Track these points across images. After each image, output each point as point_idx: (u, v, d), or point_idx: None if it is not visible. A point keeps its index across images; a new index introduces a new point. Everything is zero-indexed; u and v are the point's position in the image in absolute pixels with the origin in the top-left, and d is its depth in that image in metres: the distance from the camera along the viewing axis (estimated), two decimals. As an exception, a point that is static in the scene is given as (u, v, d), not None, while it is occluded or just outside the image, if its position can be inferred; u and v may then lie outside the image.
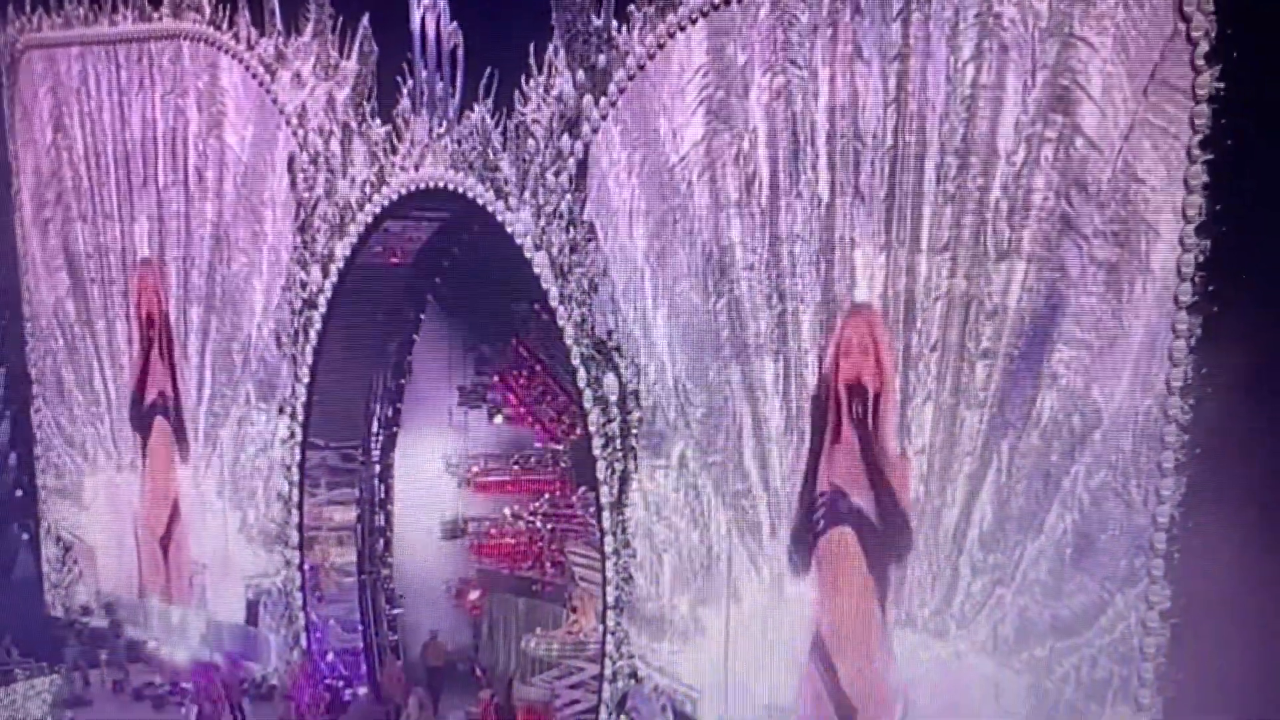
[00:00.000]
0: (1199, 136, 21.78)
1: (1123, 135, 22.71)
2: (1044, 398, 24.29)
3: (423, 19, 31.85)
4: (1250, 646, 21.80)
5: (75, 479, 42.42)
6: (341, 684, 35.83)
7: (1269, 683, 21.77)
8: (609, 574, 30.55)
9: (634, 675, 30.35)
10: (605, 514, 30.46)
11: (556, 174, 30.09)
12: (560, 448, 35.91)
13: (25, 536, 43.26)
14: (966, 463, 25.44)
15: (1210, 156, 21.74)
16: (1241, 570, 21.60)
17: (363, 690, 35.94)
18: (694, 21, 27.83)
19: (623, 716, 30.59)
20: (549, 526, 35.55)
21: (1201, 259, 22.06)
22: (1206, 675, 22.64)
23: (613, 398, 29.95)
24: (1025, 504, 24.72)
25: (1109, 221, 23.09)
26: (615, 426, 30.05)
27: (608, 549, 30.50)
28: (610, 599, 30.57)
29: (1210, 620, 22.52)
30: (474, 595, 36.63)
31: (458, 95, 31.60)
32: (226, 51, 36.31)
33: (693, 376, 29.06)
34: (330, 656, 36.35)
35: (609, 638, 30.73)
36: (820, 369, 27.22)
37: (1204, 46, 21.69)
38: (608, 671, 30.85)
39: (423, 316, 35.49)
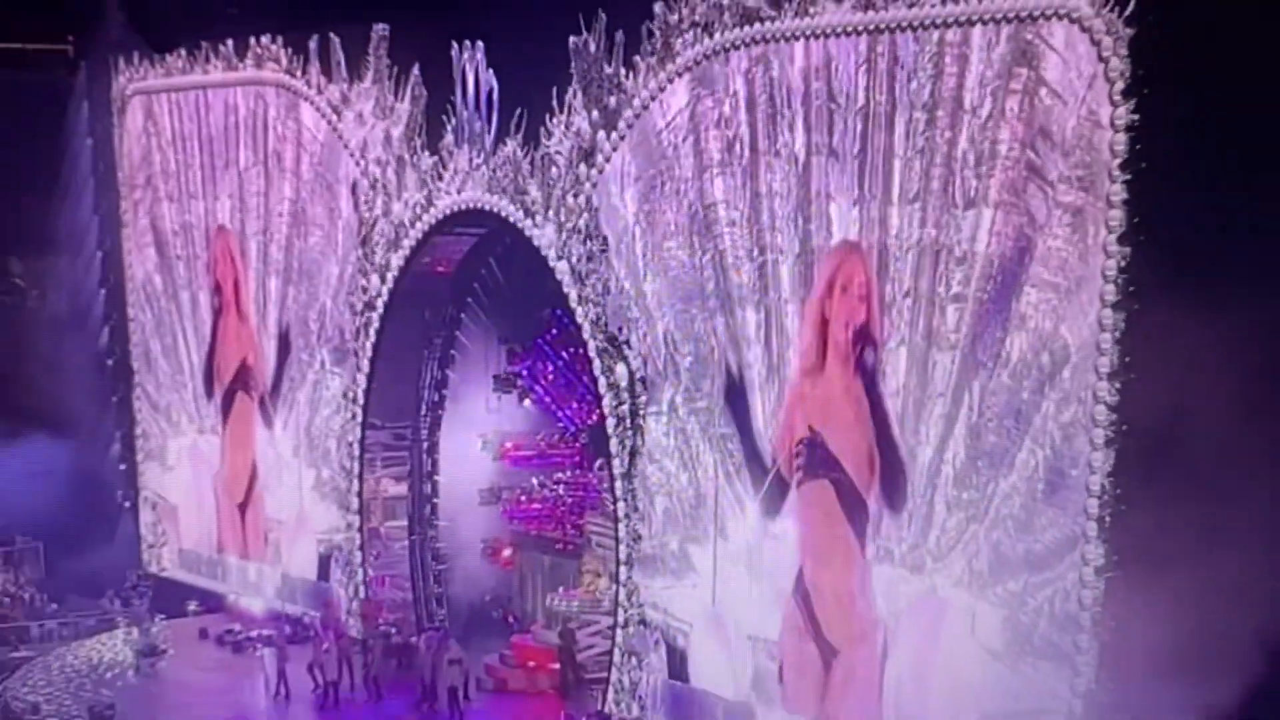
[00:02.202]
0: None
1: (1086, 83, 22.13)
2: (1013, 339, 23.51)
3: (464, 68, 32.37)
4: (1177, 598, 20.94)
5: (160, 442, 42.62)
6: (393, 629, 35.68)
7: (1198, 628, 20.77)
8: (621, 534, 30.50)
9: (643, 621, 30.27)
10: (618, 483, 30.55)
11: (575, 196, 30.45)
12: (579, 428, 35.91)
13: (127, 504, 43.43)
14: (939, 403, 24.72)
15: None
16: (1169, 533, 21.01)
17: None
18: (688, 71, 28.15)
19: (632, 657, 30.47)
20: (569, 495, 35.58)
21: (1124, 264, 21.89)
22: (1137, 624, 21.96)
23: (623, 384, 30.10)
24: (997, 441, 23.89)
25: (1074, 167, 22.41)
26: (625, 409, 30.15)
27: (620, 513, 30.50)
28: (623, 556, 30.57)
29: (1140, 575, 21.96)
30: (506, 552, 36.61)
31: (493, 131, 32.10)
32: (301, 96, 36.57)
33: (680, 327, 28.88)
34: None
35: (621, 590, 30.70)
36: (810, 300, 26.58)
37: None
38: (620, 619, 30.78)
39: (463, 316, 35.67)
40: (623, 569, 30.67)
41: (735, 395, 28.19)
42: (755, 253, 27.39)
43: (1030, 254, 23.13)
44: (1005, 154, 23.37)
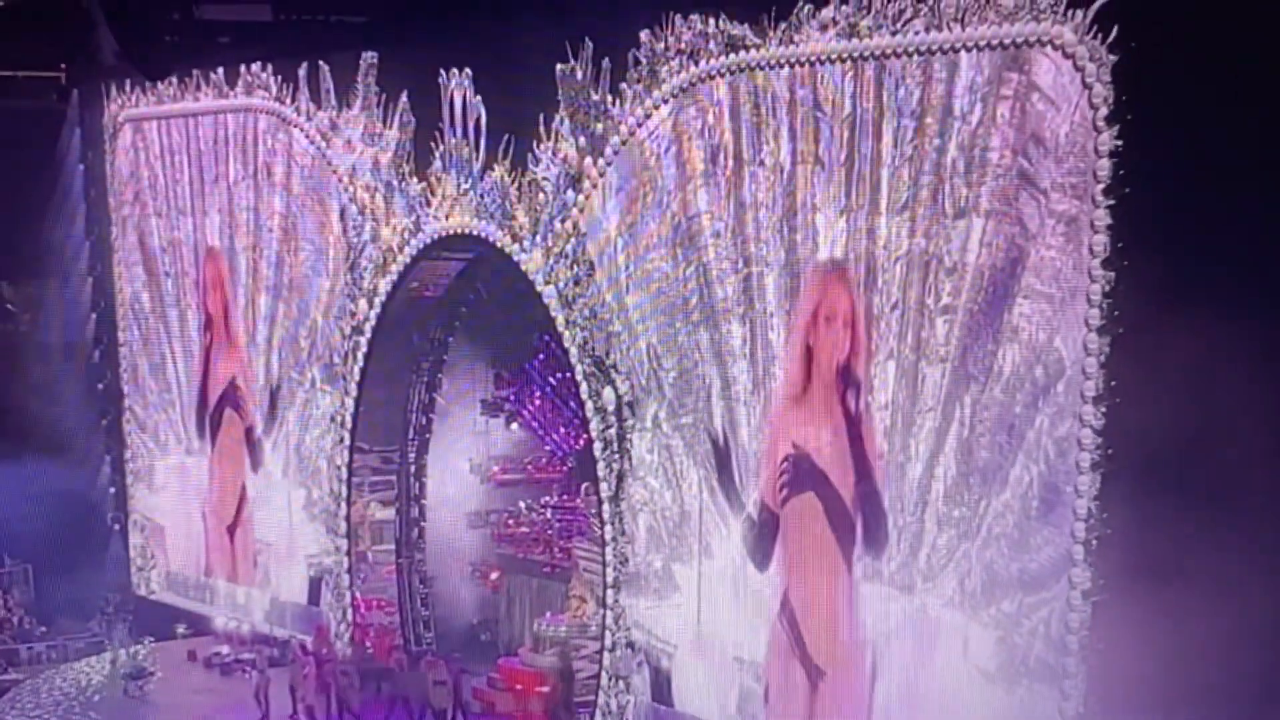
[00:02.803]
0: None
1: (1079, 91, 21.68)
2: (1005, 351, 23.00)
3: (452, 95, 32.18)
4: (1164, 623, 20.67)
5: (147, 462, 42.15)
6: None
7: (1183, 654, 20.37)
8: (608, 558, 30.25)
9: (630, 645, 30.01)
10: (605, 506, 30.27)
11: (563, 221, 30.24)
12: (567, 452, 35.81)
13: (116, 526, 43.17)
14: (929, 417, 24.20)
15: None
16: (1155, 556, 20.83)
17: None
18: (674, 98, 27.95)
19: (619, 681, 30.19)
20: (556, 518, 35.48)
21: (1108, 288, 21.65)
22: (1124, 649, 21.68)
23: (610, 407, 29.80)
24: (989, 457, 23.36)
25: (1067, 174, 21.94)
26: (613, 432, 29.85)
27: (607, 537, 30.22)
28: (610, 579, 30.32)
29: (1127, 599, 21.70)
30: (494, 576, 36.39)
31: (481, 157, 31.83)
32: (290, 123, 36.40)
33: (664, 341, 28.64)
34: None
35: (608, 613, 30.44)
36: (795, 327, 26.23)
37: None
38: (608, 643, 30.51)
39: (451, 340, 35.54)
40: (609, 593, 30.32)
41: (720, 411, 27.80)
42: (740, 264, 27.02)
43: (1023, 264, 22.61)
44: (996, 161, 22.85)
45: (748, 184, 26.75)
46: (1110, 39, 21.42)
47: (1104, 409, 21.90)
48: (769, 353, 26.79)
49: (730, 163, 27.05)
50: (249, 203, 37.88)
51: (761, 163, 26.48)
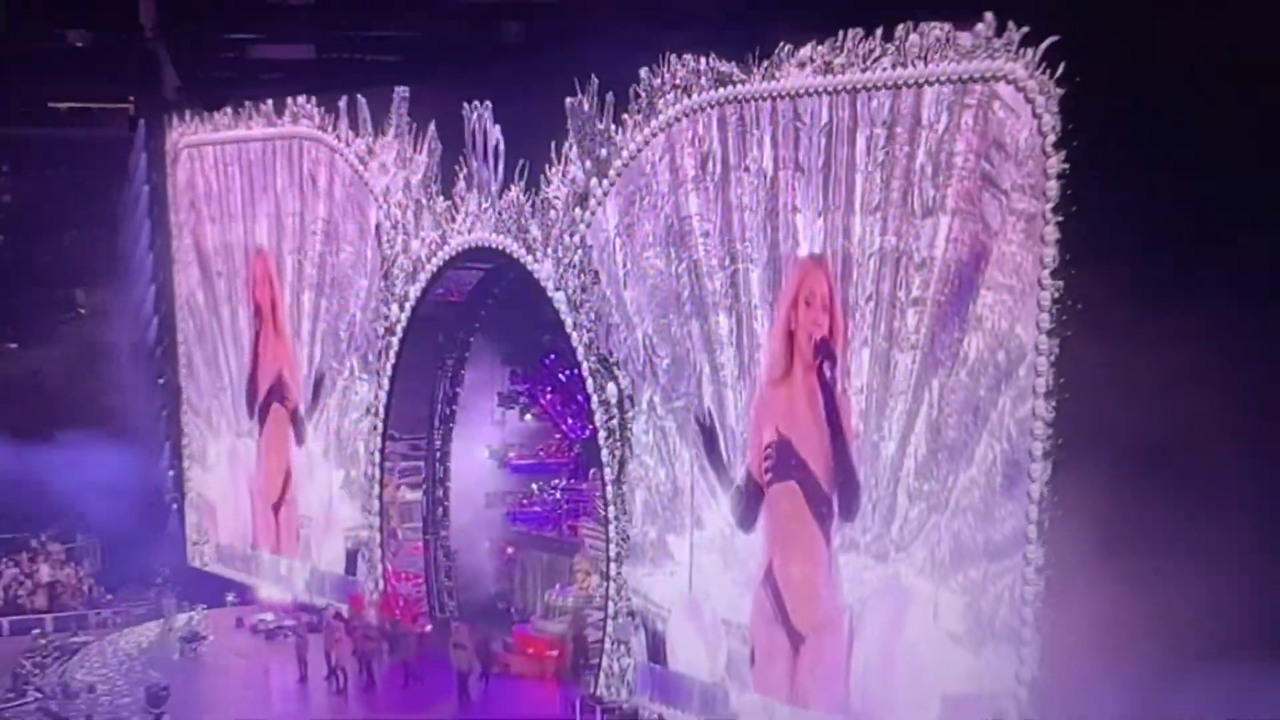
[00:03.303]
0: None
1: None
2: (970, 339, 22.95)
3: (474, 124, 32.24)
4: (1113, 593, 20.83)
5: (201, 445, 42.16)
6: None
7: (1133, 624, 20.55)
8: (611, 534, 30.14)
9: (631, 613, 29.80)
10: (608, 488, 30.22)
11: (571, 235, 30.27)
12: (574, 440, 35.72)
13: (174, 506, 43.23)
14: (901, 400, 24.13)
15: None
16: (1103, 535, 20.95)
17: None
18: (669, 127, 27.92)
19: (621, 645, 29.99)
20: (565, 499, 35.43)
21: (1057, 295, 21.73)
22: (1076, 618, 21.76)
23: (613, 401, 29.76)
24: (956, 436, 23.28)
25: (1027, 175, 21.94)
26: (615, 423, 29.84)
27: (610, 515, 30.15)
28: (613, 554, 30.19)
29: (1077, 574, 21.73)
30: (509, 550, 36.28)
31: (499, 179, 31.90)
32: (332, 149, 36.30)
33: (658, 331, 28.54)
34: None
35: (611, 584, 30.33)
36: (777, 313, 26.11)
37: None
38: (610, 611, 30.35)
39: (472, 340, 35.44)
40: (612, 565, 30.29)
41: (709, 394, 27.66)
42: (727, 261, 27.04)
43: (986, 259, 22.70)
44: (961, 165, 22.86)
45: (734, 188, 26.76)
46: (1057, 74, 21.57)
47: (1054, 404, 22.02)
48: (754, 341, 26.83)
49: (718, 169, 27.03)
50: (295, 209, 37.77)
51: (747, 168, 26.49)
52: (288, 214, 38.07)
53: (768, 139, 26.09)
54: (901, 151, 23.79)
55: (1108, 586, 20.82)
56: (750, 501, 27.23)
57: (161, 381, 43.09)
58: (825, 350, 25.39)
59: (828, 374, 25.39)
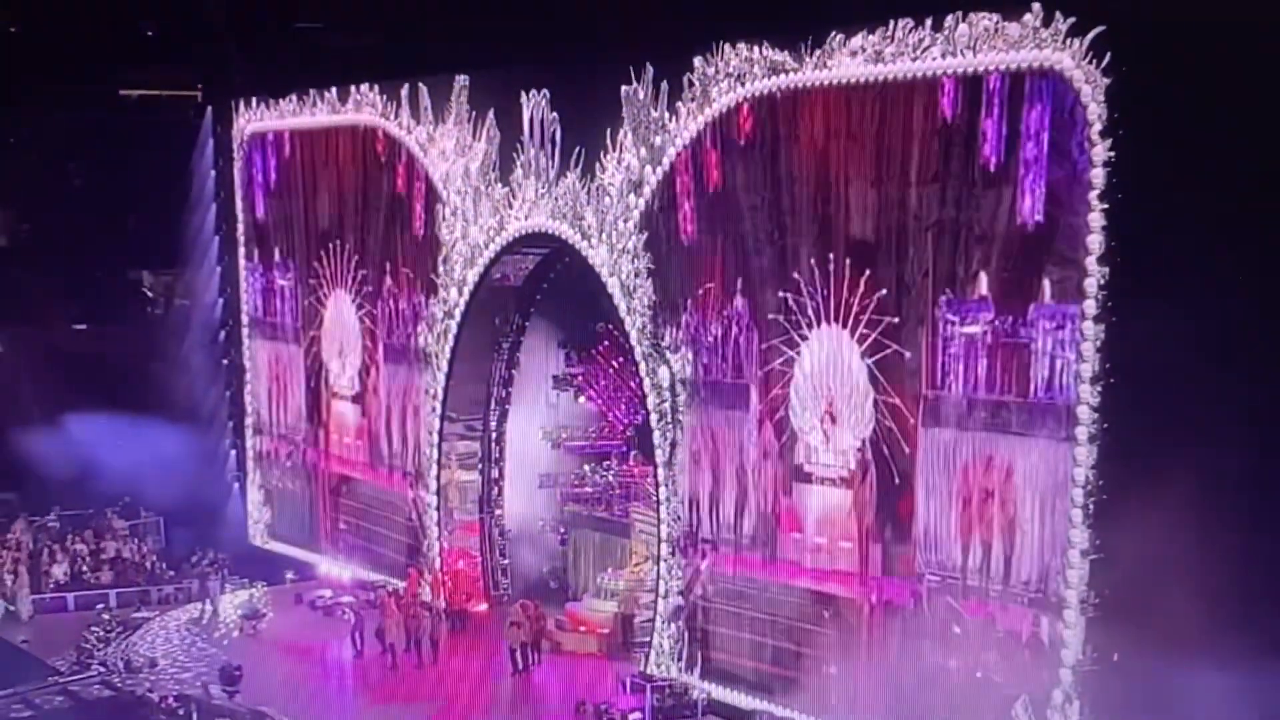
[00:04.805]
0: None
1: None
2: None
3: (531, 112, 32.55)
4: (1152, 577, 21.22)
5: (265, 428, 42.66)
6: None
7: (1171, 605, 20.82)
8: (662, 515, 30.42)
9: (680, 592, 30.14)
10: (660, 470, 30.49)
11: (625, 221, 30.52)
12: (626, 425, 35.96)
13: (236, 485, 43.75)
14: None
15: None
16: (1146, 523, 21.21)
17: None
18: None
19: (672, 625, 30.28)
20: (617, 481, 35.60)
21: (1103, 281, 22.06)
22: (1120, 597, 22.36)
23: (665, 385, 30.02)
24: None
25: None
26: (667, 406, 30.10)
27: (661, 497, 30.44)
28: (664, 535, 30.48)
29: (1121, 558, 22.22)
30: (562, 530, 36.43)
31: (556, 166, 32.18)
32: (393, 136, 36.65)
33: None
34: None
35: (662, 564, 30.59)
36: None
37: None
38: (661, 590, 30.64)
39: (527, 323, 35.70)
40: (664, 546, 30.54)
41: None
42: (775, 235, 27.27)
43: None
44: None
45: (783, 159, 26.98)
46: (1104, 64, 21.80)
47: (1099, 388, 22.35)
48: (805, 319, 26.96)
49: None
50: (358, 192, 38.14)
51: (796, 139, 26.72)
52: (350, 197, 38.37)
53: (819, 107, 26.31)
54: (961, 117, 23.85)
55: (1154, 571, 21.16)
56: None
57: (225, 362, 43.67)
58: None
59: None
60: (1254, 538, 21.34)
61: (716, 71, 28.18)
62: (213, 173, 43.15)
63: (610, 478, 35.85)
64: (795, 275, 26.92)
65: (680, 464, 30.03)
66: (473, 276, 34.83)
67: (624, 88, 30.03)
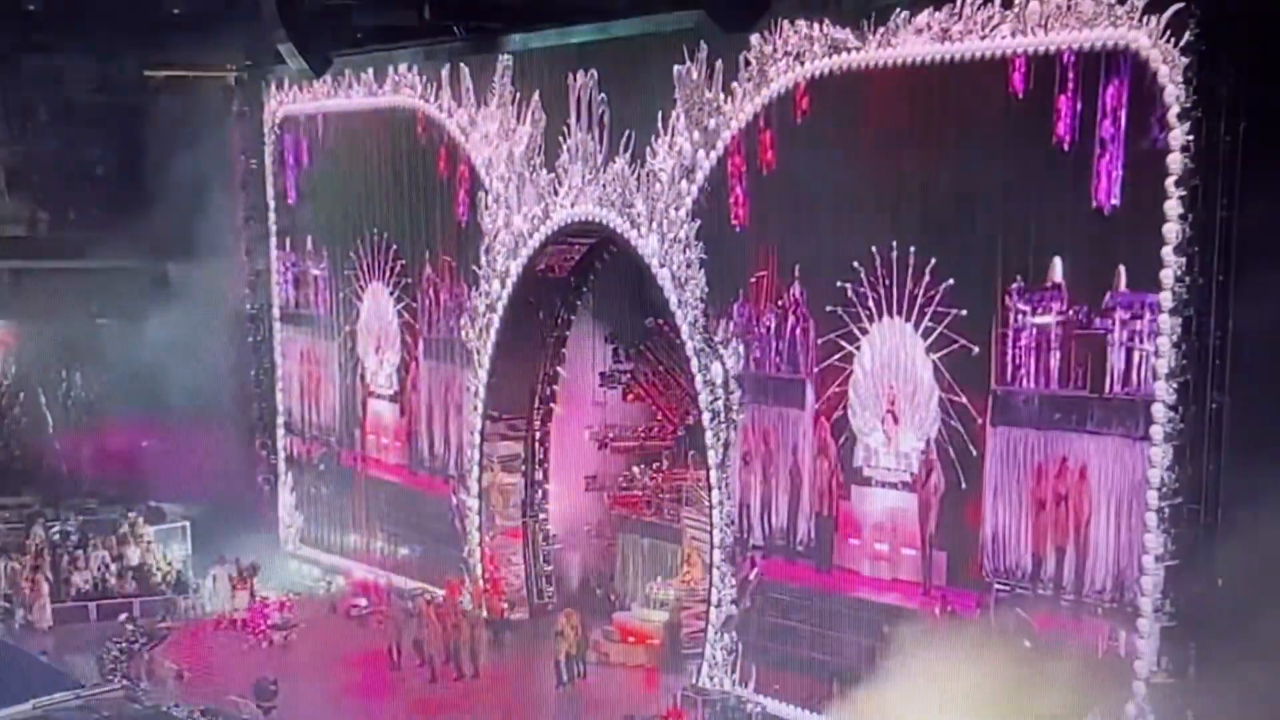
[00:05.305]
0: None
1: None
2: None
3: (578, 94, 32.74)
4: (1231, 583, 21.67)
5: (298, 430, 43.09)
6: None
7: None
8: (715, 520, 30.56)
9: (735, 601, 30.33)
10: (713, 473, 30.64)
11: (677, 209, 30.65)
12: (677, 425, 36.14)
13: (267, 489, 43.99)
14: None
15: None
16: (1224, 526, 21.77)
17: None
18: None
19: (726, 635, 30.51)
20: (667, 484, 35.67)
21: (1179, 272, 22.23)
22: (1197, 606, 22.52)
23: (719, 381, 30.16)
24: None
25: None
26: (720, 404, 30.21)
27: (714, 501, 30.59)
28: (716, 541, 30.65)
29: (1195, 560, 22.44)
30: (609, 535, 36.72)
31: (604, 150, 32.36)
32: (433, 120, 36.93)
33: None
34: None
35: (714, 572, 30.77)
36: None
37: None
38: (714, 599, 30.78)
39: (573, 317, 35.85)
40: (716, 553, 30.69)
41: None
42: (834, 222, 27.54)
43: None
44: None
45: (844, 141, 27.25)
46: (1183, 43, 21.87)
47: (1175, 385, 22.55)
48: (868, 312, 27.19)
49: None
50: (396, 176, 38.46)
51: (857, 120, 27.02)
52: (388, 183, 38.65)
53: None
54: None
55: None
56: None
57: (256, 358, 43.81)
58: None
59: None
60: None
61: (774, 50, 28.29)
62: (243, 157, 43.40)
63: (660, 481, 35.87)
64: (855, 265, 27.14)
65: (733, 466, 30.22)
66: (516, 268, 34.98)
67: (676, 67, 30.14)
